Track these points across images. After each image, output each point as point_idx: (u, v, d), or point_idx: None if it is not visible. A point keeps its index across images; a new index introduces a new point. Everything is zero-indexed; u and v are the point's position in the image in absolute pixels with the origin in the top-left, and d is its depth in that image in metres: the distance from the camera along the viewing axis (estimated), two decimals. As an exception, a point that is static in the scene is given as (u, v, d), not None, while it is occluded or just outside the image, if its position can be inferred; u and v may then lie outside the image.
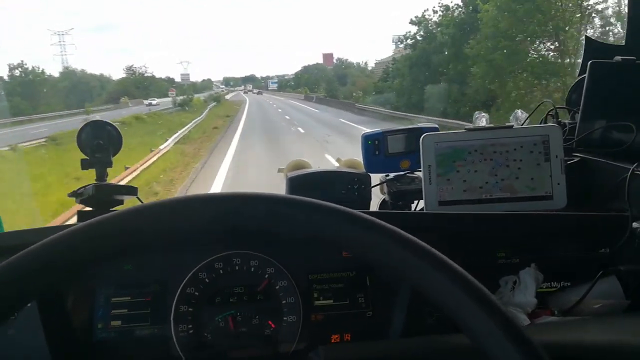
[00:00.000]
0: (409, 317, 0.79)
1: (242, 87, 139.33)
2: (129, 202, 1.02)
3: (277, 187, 1.20)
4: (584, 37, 1.19)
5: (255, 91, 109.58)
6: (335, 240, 0.44)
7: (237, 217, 0.43)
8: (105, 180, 1.01)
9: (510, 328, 0.40)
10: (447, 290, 0.42)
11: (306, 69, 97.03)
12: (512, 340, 0.39)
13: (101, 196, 0.94)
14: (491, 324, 0.40)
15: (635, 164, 0.87)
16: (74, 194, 0.97)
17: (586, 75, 1.03)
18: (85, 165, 1.00)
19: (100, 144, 1.00)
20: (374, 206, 1.17)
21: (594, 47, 1.18)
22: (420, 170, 1.02)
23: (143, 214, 0.43)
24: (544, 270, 0.83)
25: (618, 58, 1.04)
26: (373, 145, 1.12)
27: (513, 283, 0.82)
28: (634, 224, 0.81)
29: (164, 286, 0.80)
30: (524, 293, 0.79)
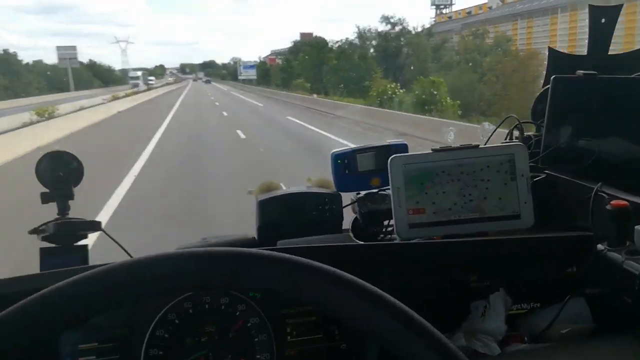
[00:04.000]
0: (383, 350, 0.79)
1: (193, 75, 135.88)
2: (94, 236, 0.99)
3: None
4: (547, 48, 1.20)
5: (204, 80, 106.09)
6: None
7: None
8: (67, 213, 0.98)
9: None
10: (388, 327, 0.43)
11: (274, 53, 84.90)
12: None
13: (63, 233, 0.91)
14: None
15: (599, 184, 0.88)
16: (35, 231, 0.94)
17: (549, 91, 1.04)
18: (45, 198, 0.97)
19: (60, 175, 0.97)
20: (347, 225, 1.17)
21: (556, 58, 1.19)
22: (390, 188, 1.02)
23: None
24: (514, 292, 0.84)
25: (580, 73, 1.05)
26: (342, 165, 1.11)
27: (484, 307, 0.83)
28: (599, 246, 0.82)
29: (132, 330, 0.78)
30: (494, 319, 0.80)
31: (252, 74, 75.72)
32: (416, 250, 0.85)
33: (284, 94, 38.28)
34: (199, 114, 22.23)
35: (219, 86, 76.82)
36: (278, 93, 40.71)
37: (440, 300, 0.80)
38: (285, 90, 43.36)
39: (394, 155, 0.97)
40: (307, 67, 45.66)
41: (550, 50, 1.20)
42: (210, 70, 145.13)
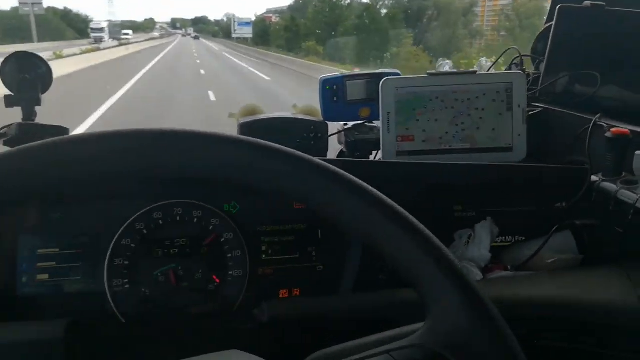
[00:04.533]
0: (361, 272, 0.76)
1: (183, 30, 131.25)
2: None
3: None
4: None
5: (192, 35, 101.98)
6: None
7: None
8: (33, 120, 0.91)
9: (453, 269, 0.37)
10: (387, 230, 0.38)
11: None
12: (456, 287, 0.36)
13: (26, 137, 0.85)
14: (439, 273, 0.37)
15: (598, 115, 0.84)
16: None
17: (554, 21, 0.98)
18: (9, 102, 0.90)
19: (26, 78, 0.90)
20: (331, 155, 1.12)
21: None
22: (379, 120, 0.97)
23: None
24: (500, 225, 0.81)
25: (587, 3, 0.99)
26: (331, 91, 1.05)
27: (468, 237, 0.80)
28: (593, 177, 0.79)
29: (96, 238, 0.73)
30: (478, 247, 0.77)
31: (247, 32, 63.59)
32: (399, 170, 0.81)
33: (292, 61, 25.06)
34: (172, 102, 10.62)
35: (209, 44, 63.94)
36: (283, 58, 27.47)
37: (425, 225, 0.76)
38: (292, 54, 32.07)
39: (386, 78, 0.92)
40: (319, 25, 37.25)
41: (557, -17, 1.13)
42: (202, 26, 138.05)
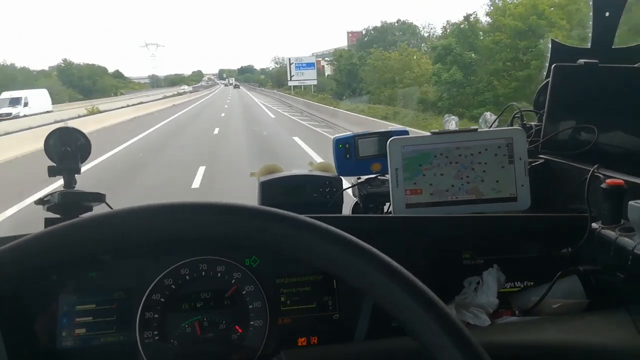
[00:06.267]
0: (374, 320, 0.80)
1: (226, 80, 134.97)
2: (98, 209, 1.01)
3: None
4: (550, 41, 1.21)
5: (233, 84, 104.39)
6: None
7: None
8: (74, 187, 1.01)
9: (454, 330, 0.41)
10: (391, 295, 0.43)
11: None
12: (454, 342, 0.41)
13: (68, 203, 0.94)
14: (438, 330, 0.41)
15: (595, 166, 0.89)
16: (40, 202, 0.97)
17: (550, 78, 1.05)
18: (52, 172, 0.99)
19: (67, 150, 1.00)
20: (347, 210, 1.18)
21: (559, 51, 1.20)
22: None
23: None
24: (507, 271, 0.85)
25: (581, 61, 1.06)
26: (344, 149, 1.13)
27: (477, 284, 0.83)
28: (593, 225, 0.82)
29: (129, 293, 0.80)
30: (487, 294, 0.80)
31: (310, 76, 44.87)
32: (410, 224, 0.86)
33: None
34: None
35: (256, 101, 40.23)
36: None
37: (433, 276, 0.80)
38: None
39: (393, 137, 0.99)
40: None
41: (553, 42, 1.21)
42: (248, 75, 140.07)
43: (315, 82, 43.28)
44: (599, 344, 0.68)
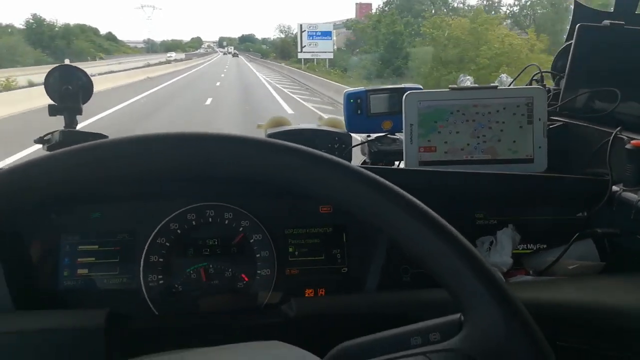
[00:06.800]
0: (385, 274, 0.78)
1: (225, 48, 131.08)
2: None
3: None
4: (573, 1, 1.16)
5: (232, 53, 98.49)
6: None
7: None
8: (75, 127, 0.97)
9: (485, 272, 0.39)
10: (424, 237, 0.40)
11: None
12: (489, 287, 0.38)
13: (68, 143, 0.90)
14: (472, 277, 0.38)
15: (619, 128, 0.86)
16: (40, 140, 0.93)
17: (573, 39, 1.01)
18: (52, 111, 0.95)
19: (68, 89, 0.95)
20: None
21: (582, 12, 1.16)
22: (402, 132, 1.00)
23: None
24: (521, 232, 0.83)
25: (606, 22, 1.02)
26: (355, 104, 1.09)
27: (490, 243, 0.82)
28: (614, 187, 0.80)
29: (133, 236, 0.77)
30: (500, 253, 0.78)
31: (325, 47, 34.87)
32: (422, 178, 0.83)
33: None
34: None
35: (260, 79, 28.12)
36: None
37: None
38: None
39: (409, 92, 0.95)
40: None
41: (576, 2, 1.17)
42: (249, 44, 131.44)
43: (331, 56, 34.65)
44: (616, 304, 0.66)
